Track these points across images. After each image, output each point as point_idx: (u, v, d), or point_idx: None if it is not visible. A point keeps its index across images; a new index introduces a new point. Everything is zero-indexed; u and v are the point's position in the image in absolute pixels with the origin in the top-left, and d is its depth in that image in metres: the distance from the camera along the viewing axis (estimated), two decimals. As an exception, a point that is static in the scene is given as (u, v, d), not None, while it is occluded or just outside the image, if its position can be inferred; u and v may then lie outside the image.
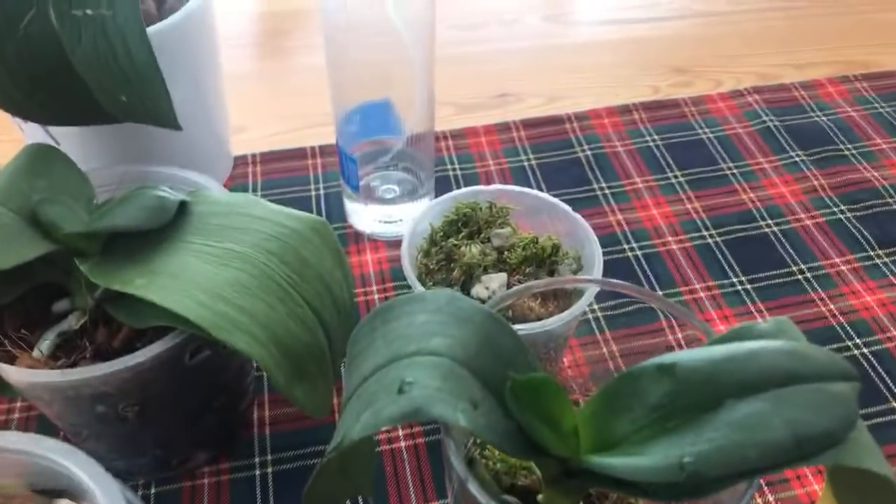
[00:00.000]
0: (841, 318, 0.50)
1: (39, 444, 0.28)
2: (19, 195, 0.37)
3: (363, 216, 0.56)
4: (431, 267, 0.43)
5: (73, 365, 0.34)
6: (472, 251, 0.42)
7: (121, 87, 0.40)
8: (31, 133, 0.49)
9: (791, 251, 0.55)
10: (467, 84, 0.72)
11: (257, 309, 0.34)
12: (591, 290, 0.37)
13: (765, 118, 0.66)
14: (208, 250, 0.35)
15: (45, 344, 0.35)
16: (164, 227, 0.36)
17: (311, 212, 0.44)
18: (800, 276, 0.53)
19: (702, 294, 0.52)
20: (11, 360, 0.33)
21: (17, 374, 0.32)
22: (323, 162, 0.63)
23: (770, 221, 0.57)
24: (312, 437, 0.44)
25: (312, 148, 0.64)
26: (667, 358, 0.25)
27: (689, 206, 0.59)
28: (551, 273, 0.43)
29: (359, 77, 0.49)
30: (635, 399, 0.25)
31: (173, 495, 0.41)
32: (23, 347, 0.35)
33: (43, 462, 0.28)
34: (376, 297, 0.52)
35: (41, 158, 0.39)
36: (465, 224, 0.44)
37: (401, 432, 0.44)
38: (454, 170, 0.62)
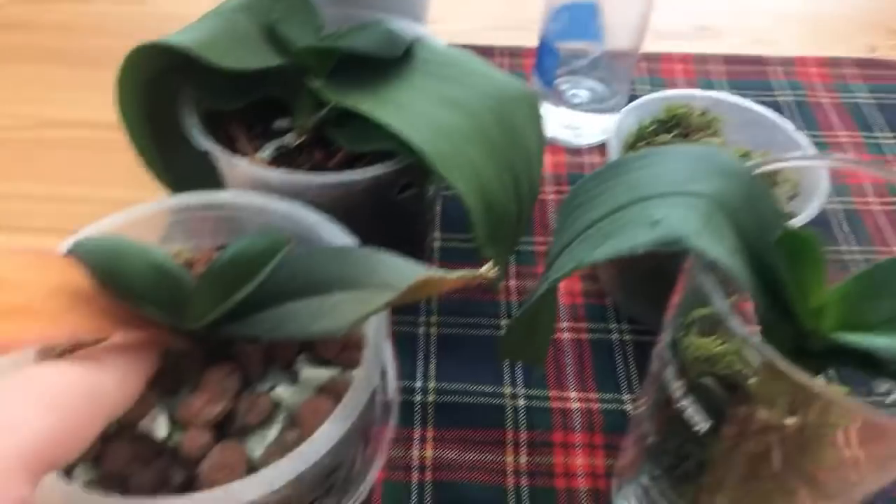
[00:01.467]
0: None
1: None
2: (261, 12, 0.38)
3: (549, 118, 0.55)
4: (635, 161, 0.41)
5: (292, 175, 0.35)
6: (682, 152, 0.40)
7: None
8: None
9: None
10: (668, 12, 0.69)
11: (474, 158, 0.33)
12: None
13: None
14: (432, 93, 0.35)
15: (266, 153, 0.36)
16: (390, 64, 0.36)
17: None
18: None
19: (899, 258, 0.48)
20: (238, 158, 0.35)
21: (248, 169, 0.33)
22: (511, 62, 0.62)
23: None
24: (478, 310, 0.44)
25: (501, 48, 0.63)
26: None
27: None
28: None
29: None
30: (901, 285, 0.23)
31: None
32: (246, 153, 0.36)
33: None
34: (550, 197, 0.51)
35: (278, -15, 0.40)
36: (676, 126, 0.42)
37: (564, 324, 0.43)
38: (644, 92, 0.60)
